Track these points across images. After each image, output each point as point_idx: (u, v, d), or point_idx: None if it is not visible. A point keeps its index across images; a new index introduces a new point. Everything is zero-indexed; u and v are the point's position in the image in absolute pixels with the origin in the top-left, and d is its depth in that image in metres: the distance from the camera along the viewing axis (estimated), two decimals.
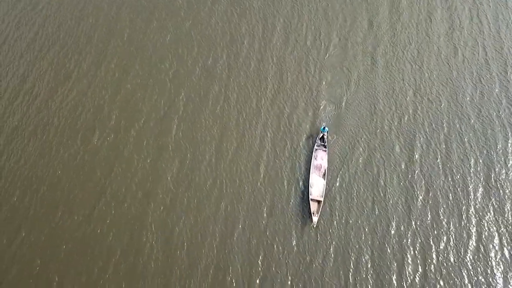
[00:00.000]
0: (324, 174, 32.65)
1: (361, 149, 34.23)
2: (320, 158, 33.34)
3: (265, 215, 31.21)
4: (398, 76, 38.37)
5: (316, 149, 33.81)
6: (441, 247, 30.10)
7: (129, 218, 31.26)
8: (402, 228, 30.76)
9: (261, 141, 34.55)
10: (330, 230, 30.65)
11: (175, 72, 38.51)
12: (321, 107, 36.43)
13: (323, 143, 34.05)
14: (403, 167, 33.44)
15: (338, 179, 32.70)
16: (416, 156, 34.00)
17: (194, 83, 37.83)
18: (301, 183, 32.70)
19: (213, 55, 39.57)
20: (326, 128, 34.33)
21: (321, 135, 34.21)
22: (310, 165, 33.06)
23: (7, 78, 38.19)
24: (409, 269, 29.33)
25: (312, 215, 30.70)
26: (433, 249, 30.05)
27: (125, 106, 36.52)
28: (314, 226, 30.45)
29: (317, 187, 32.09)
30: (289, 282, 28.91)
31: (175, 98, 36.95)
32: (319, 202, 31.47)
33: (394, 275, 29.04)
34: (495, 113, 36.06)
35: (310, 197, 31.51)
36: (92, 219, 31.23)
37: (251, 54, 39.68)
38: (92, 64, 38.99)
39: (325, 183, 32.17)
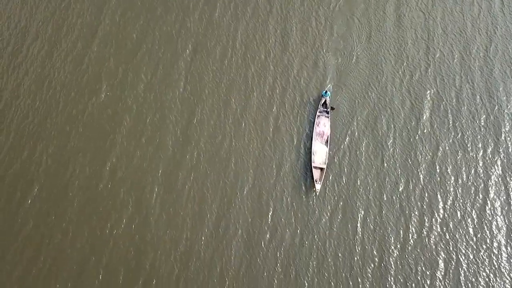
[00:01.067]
0: (327, 141, 32.64)
1: (369, 107, 34.29)
2: (323, 125, 33.24)
3: (274, 174, 32.09)
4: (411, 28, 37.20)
5: (319, 115, 33.57)
6: (448, 203, 30.95)
7: (139, 172, 32.10)
8: (410, 185, 31.71)
9: (268, 98, 34.69)
10: (336, 190, 31.64)
11: (182, 26, 37.54)
12: (328, 61, 35.94)
13: (325, 109, 33.74)
14: (413, 124, 33.51)
15: (347, 136, 33.15)
16: (427, 113, 33.90)
17: (201, 36, 36.93)
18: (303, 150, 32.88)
19: (220, 7, 38.29)
20: (328, 93, 33.84)
21: (323, 100, 33.78)
22: (313, 131, 33.05)
23: (9, 30, 37.62)
24: (416, 224, 30.53)
25: (315, 182, 31.14)
26: (441, 204, 30.99)
27: (131, 60, 36.10)
28: (317, 193, 30.96)
29: (320, 154, 32.20)
30: (298, 232, 30.17)
31: (182, 52, 36.31)
32: (321, 169, 31.74)
33: (401, 229, 30.39)
34: (509, 69, 35.11)
35: (313, 164, 31.78)
36: (103, 174, 32.10)
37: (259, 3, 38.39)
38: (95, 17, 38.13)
39: (327, 151, 32.26)
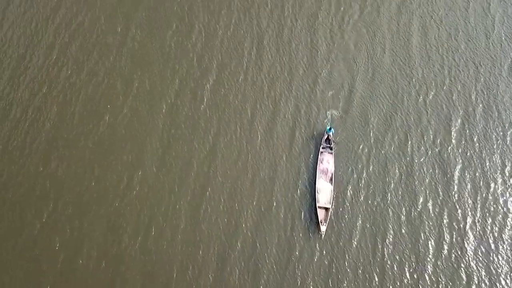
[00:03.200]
0: (331, 179, 30.83)
1: (373, 141, 32.62)
2: (326, 162, 31.49)
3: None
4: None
5: (322, 152, 31.87)
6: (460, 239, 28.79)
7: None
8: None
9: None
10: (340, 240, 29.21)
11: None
12: (332, 97, 34.50)
13: (328, 145, 32.10)
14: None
15: (352, 173, 31.25)
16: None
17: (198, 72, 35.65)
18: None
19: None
20: (332, 129, 32.29)
21: (327, 136, 32.20)
22: (316, 169, 31.24)
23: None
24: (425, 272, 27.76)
25: (320, 224, 29.14)
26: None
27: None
28: (323, 236, 28.76)
29: (324, 193, 30.32)
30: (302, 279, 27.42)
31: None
32: (327, 209, 29.77)
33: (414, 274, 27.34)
34: None
35: (317, 204, 29.89)
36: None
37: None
38: None
39: (332, 189, 30.35)
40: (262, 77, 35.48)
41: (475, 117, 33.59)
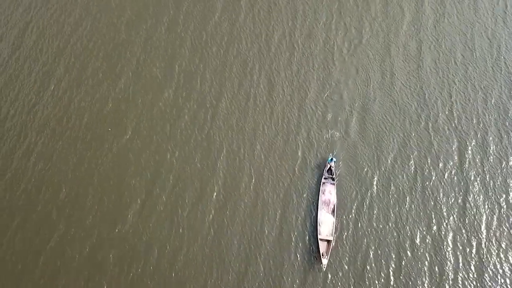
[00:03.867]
0: (334, 211, 30.20)
1: (377, 171, 31.55)
2: (328, 193, 30.92)
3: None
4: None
5: (324, 183, 31.35)
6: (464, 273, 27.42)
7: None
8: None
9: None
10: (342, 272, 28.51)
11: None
12: (334, 126, 33.72)
13: (331, 176, 31.55)
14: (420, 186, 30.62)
15: (354, 204, 30.36)
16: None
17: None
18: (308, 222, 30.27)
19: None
20: (334, 159, 31.69)
21: (329, 166, 31.67)
22: (318, 200, 30.64)
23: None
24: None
25: (322, 256, 28.47)
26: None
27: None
28: (324, 269, 28.02)
29: (326, 225, 29.70)
30: None
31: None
32: (328, 242, 29.11)
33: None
34: None
35: (319, 236, 29.27)
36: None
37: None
38: None
39: (334, 221, 29.75)
40: (265, 101, 35.51)
41: (481, 140, 33.23)
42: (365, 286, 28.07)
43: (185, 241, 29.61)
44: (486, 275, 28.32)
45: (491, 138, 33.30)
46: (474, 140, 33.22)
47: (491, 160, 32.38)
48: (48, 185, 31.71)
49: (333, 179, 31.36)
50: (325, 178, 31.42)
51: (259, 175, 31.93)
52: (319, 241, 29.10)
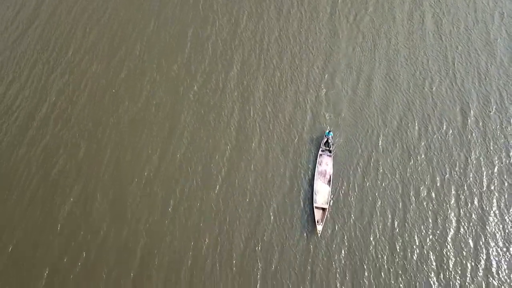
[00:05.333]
0: (329, 181, 32.03)
1: (371, 143, 33.50)
2: (325, 164, 32.73)
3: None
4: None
5: (321, 154, 33.14)
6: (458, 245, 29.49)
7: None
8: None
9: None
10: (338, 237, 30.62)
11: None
12: (331, 100, 35.58)
13: (327, 148, 33.23)
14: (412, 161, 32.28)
15: (350, 175, 32.18)
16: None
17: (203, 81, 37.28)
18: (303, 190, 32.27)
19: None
20: (331, 133, 33.40)
21: (326, 139, 33.36)
22: (314, 171, 32.49)
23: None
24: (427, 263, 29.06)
25: (317, 223, 30.40)
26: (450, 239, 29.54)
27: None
28: (319, 235, 30.04)
29: (322, 194, 31.56)
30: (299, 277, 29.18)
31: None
32: (324, 209, 31.05)
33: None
34: None
35: (315, 205, 31.15)
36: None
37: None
38: None
39: (330, 190, 31.61)
40: (275, 66, 37.47)
41: (483, 102, 35.37)
42: (358, 250, 30.14)
43: (198, 196, 31.90)
44: (487, 222, 30.78)
45: (492, 100, 35.38)
46: (476, 102, 35.28)
47: (492, 120, 34.60)
48: (66, 144, 34.30)
49: (330, 151, 33.08)
50: (322, 150, 33.13)
51: (257, 148, 33.95)
52: (314, 209, 31.03)
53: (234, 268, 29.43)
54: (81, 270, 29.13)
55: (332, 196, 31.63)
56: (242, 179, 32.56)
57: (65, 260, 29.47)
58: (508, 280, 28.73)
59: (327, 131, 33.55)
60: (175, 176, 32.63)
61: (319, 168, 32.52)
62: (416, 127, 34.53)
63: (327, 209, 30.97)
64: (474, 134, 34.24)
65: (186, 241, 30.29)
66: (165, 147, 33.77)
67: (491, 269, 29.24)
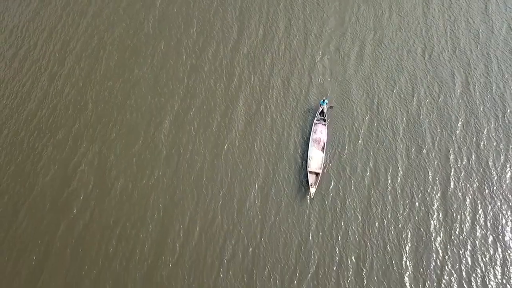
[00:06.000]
0: (323, 148, 33.82)
1: (366, 111, 35.45)
2: (320, 132, 34.41)
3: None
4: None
5: (316, 123, 34.79)
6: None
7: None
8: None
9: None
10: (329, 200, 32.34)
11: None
12: (326, 69, 37.98)
13: (322, 117, 34.91)
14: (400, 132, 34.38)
15: (344, 143, 34.07)
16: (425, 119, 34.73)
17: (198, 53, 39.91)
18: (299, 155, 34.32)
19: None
20: (326, 101, 35.05)
21: (321, 109, 34.98)
22: (309, 139, 34.36)
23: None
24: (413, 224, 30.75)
25: (310, 186, 32.30)
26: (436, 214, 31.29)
27: None
28: (312, 197, 32.08)
29: (316, 160, 33.41)
30: (291, 235, 30.94)
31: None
32: (317, 174, 32.93)
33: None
34: None
35: (308, 169, 32.97)
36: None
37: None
38: None
39: (323, 156, 33.48)
40: (281, 37, 40.13)
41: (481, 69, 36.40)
42: (348, 208, 31.80)
43: (201, 153, 34.59)
44: (476, 178, 32.30)
45: (484, 66, 37.04)
46: (468, 68, 37.09)
47: (483, 85, 36.29)
48: (76, 103, 37.61)
49: (324, 120, 34.70)
50: (317, 120, 34.79)
51: (256, 123, 36.11)
52: (308, 173, 32.75)
53: (235, 217, 32.04)
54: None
55: (325, 162, 33.38)
56: (243, 139, 35.23)
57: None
58: (496, 230, 30.21)
59: (322, 100, 35.16)
60: (184, 136, 35.40)
61: (313, 136, 34.19)
62: (410, 90, 36.22)
63: (320, 174, 32.76)
64: (465, 98, 35.30)
65: (190, 193, 32.98)
66: (180, 106, 36.90)
67: (479, 220, 30.64)
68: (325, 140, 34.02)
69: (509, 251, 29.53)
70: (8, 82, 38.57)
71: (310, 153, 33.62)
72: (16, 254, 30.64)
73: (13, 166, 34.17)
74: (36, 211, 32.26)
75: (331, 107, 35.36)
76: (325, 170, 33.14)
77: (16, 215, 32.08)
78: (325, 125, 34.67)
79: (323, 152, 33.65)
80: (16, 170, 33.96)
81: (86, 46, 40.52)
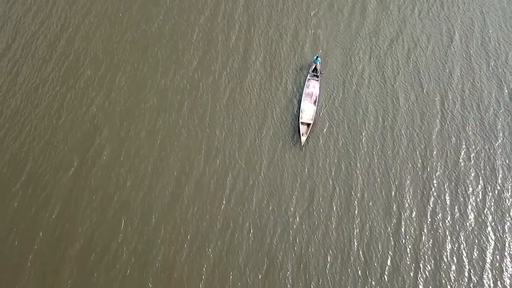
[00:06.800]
0: (315, 102, 35.88)
1: (357, 68, 37.82)
2: (312, 87, 36.47)
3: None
4: None
5: (309, 79, 36.86)
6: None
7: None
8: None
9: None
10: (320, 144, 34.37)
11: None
12: (320, 27, 40.29)
13: (315, 73, 37.03)
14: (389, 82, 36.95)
15: (335, 98, 36.22)
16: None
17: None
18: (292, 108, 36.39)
19: None
20: (319, 58, 37.15)
21: (314, 65, 37.07)
22: (302, 93, 36.43)
23: None
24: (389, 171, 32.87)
25: (301, 135, 34.24)
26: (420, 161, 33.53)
27: None
28: (302, 144, 33.98)
29: (308, 112, 35.41)
30: (282, 179, 32.72)
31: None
32: (308, 125, 34.87)
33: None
34: None
35: (301, 120, 34.90)
36: None
37: None
38: None
39: (315, 109, 35.51)
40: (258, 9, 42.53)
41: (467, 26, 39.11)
42: (342, 146, 34.08)
43: (204, 102, 36.65)
44: (466, 122, 34.70)
45: (476, 26, 40.03)
46: (459, 24, 40.07)
47: (473, 38, 39.27)
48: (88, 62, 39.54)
49: (317, 76, 36.81)
50: (310, 76, 36.87)
51: (252, 80, 38.14)
52: (300, 124, 34.65)
53: (237, 154, 33.95)
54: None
55: (316, 114, 35.38)
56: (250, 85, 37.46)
57: None
58: (479, 165, 32.75)
59: (316, 56, 37.17)
60: (186, 88, 37.41)
61: (306, 90, 36.16)
62: (405, 46, 38.92)
63: (311, 125, 34.64)
64: (456, 51, 38.30)
65: (195, 133, 35.09)
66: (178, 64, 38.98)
67: (464, 156, 33.20)
68: (317, 94, 36.09)
69: (490, 183, 32.12)
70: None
71: (302, 106, 35.57)
72: None
73: None
74: None
75: (321, 73, 37.46)
76: (316, 122, 35.20)
77: None
78: (317, 80, 36.77)
79: (315, 105, 35.73)
80: None
81: None
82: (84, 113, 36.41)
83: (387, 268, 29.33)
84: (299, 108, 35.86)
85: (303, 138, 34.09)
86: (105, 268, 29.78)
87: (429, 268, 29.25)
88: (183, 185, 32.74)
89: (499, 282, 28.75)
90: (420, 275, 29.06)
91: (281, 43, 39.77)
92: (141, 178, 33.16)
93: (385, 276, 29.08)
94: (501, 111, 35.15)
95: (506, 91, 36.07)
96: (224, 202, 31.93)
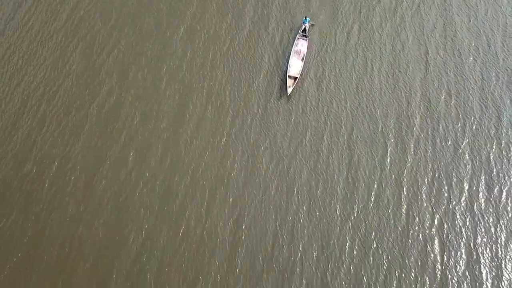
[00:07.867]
0: (303, 59, 37.40)
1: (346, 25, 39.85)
2: (301, 45, 37.99)
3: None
4: None
5: (298, 38, 38.42)
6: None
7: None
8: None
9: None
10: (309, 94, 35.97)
11: None
12: None
13: (304, 34, 38.64)
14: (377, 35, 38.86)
15: (322, 56, 37.99)
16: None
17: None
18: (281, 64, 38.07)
19: None
20: (308, 19, 38.84)
21: (303, 26, 38.75)
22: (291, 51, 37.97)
23: None
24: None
25: (288, 87, 35.77)
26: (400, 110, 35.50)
27: None
28: (288, 95, 35.65)
29: (295, 67, 36.98)
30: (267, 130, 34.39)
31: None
32: (295, 78, 36.39)
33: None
34: None
35: (288, 74, 36.41)
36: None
37: None
38: None
39: (302, 65, 37.05)
40: None
41: None
42: (335, 89, 35.97)
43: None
44: (449, 66, 35.92)
45: None
46: None
47: None
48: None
49: (306, 37, 38.41)
50: (299, 35, 38.47)
51: (244, 40, 39.87)
52: (287, 78, 36.18)
53: (237, 97, 35.93)
54: None
55: (303, 69, 36.96)
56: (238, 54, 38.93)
57: None
58: (464, 107, 34.59)
59: (304, 18, 38.90)
60: (195, 38, 39.54)
61: (295, 48, 37.69)
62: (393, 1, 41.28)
63: (298, 78, 36.19)
64: (439, 5, 40.73)
65: (199, 80, 36.97)
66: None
67: (451, 98, 35.02)
68: (305, 52, 37.65)
69: (471, 119, 34.10)
70: None
71: (290, 62, 37.14)
72: None
73: None
74: None
75: (312, 25, 39.24)
76: (303, 76, 36.87)
77: None
78: (306, 40, 38.37)
79: (302, 62, 37.35)
80: None
81: None
82: (94, 61, 38.21)
83: (373, 192, 30.99)
84: (287, 63, 37.47)
85: (289, 90, 35.62)
86: None
87: (412, 191, 30.91)
88: (187, 120, 34.73)
89: (474, 202, 30.61)
90: (403, 198, 30.77)
91: (274, 4, 41.82)
92: (147, 116, 34.91)
93: (372, 197, 30.77)
94: (480, 57, 37.49)
95: (485, 39, 38.47)
96: (225, 135, 33.88)
